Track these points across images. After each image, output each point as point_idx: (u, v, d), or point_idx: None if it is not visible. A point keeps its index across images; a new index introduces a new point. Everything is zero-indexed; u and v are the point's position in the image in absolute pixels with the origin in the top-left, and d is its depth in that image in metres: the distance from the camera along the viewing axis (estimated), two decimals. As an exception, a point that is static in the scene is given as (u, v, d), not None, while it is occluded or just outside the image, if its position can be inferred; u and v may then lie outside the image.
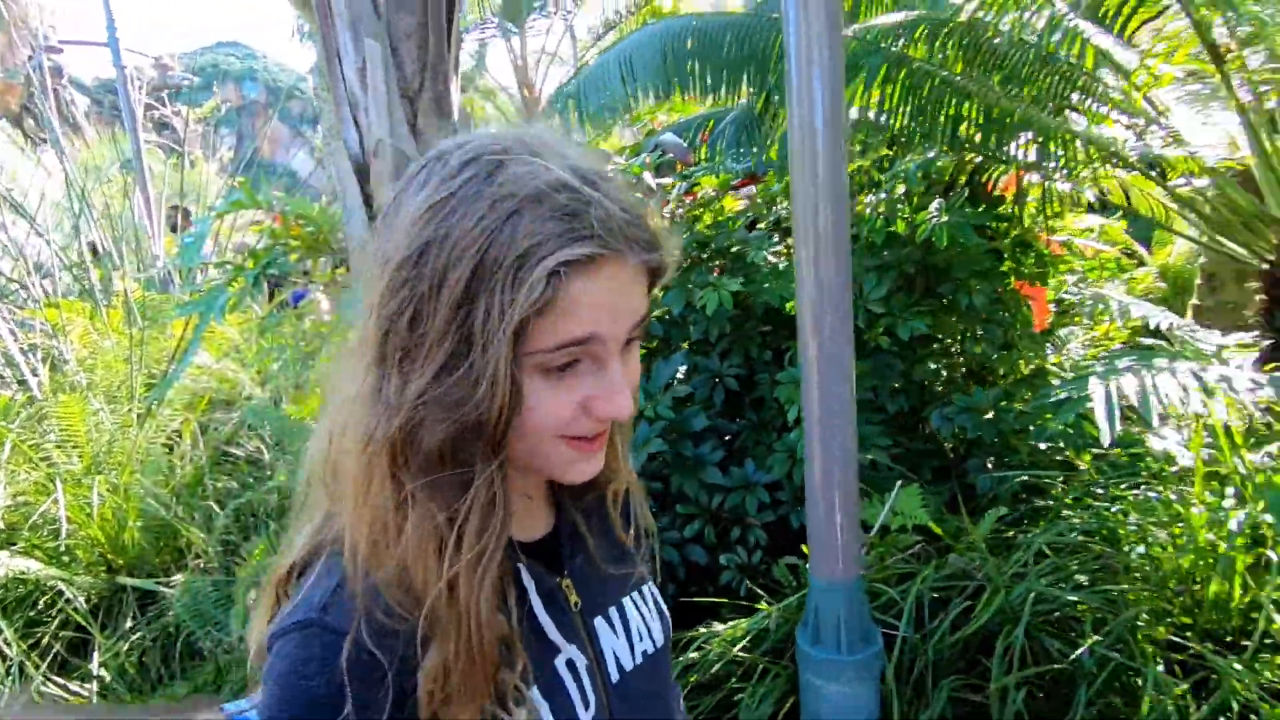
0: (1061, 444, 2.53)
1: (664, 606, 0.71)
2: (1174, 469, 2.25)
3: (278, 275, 2.62)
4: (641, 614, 0.68)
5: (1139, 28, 2.46)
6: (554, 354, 0.49)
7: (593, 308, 0.49)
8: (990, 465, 2.69)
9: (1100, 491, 2.24)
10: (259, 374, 3.46)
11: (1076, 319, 3.75)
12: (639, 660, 0.65)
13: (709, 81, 2.17)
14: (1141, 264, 5.45)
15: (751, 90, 2.22)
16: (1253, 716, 1.47)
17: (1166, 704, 1.53)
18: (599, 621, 0.63)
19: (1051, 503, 2.28)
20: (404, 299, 0.49)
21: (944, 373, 3.05)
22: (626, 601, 0.67)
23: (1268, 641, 1.63)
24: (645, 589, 0.70)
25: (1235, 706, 1.50)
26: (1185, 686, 1.56)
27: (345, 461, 0.54)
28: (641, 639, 0.66)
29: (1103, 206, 3.62)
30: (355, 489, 0.52)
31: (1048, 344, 3.54)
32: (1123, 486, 2.14)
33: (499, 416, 0.49)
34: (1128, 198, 3.20)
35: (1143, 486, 2.21)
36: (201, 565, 2.80)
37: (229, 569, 2.68)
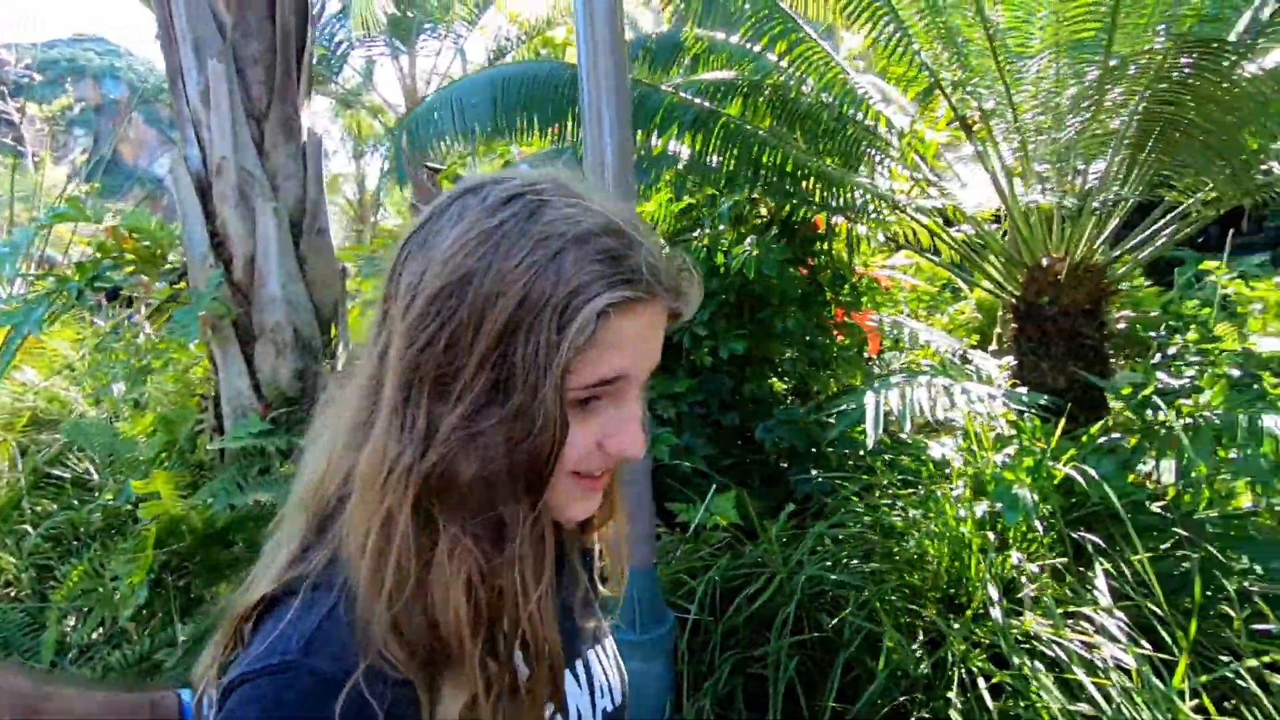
0: (861, 451, 2.91)
1: (622, 662, 0.70)
2: (948, 470, 2.64)
3: (111, 288, 2.57)
4: (604, 669, 0.66)
5: (915, 96, 2.92)
6: (584, 391, 0.49)
7: (629, 348, 0.50)
8: (815, 472, 3.03)
9: (890, 490, 2.60)
10: (92, 391, 3.30)
11: (900, 345, 4.26)
12: (598, 718, 0.63)
13: (534, 124, 2.40)
14: (964, 297, 6.19)
15: (571, 136, 2.47)
16: (963, 664, 1.80)
17: (902, 661, 1.83)
18: (566, 675, 0.61)
19: (850, 500, 2.61)
20: (438, 328, 0.48)
21: (773, 390, 3.40)
22: (591, 655, 0.65)
23: (990, 609, 1.99)
24: (607, 643, 0.68)
25: (951, 658, 1.82)
26: (917, 646, 1.88)
27: (351, 494, 0.51)
28: (602, 695, 0.64)
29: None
30: (368, 523, 0.49)
31: (874, 365, 4.00)
32: (893, 486, 2.50)
33: (549, 453, 0.49)
34: (934, 240, 3.71)
35: (920, 485, 2.59)
36: (13, 593, 2.65)
37: (44, 594, 2.55)
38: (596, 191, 0.53)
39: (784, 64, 2.84)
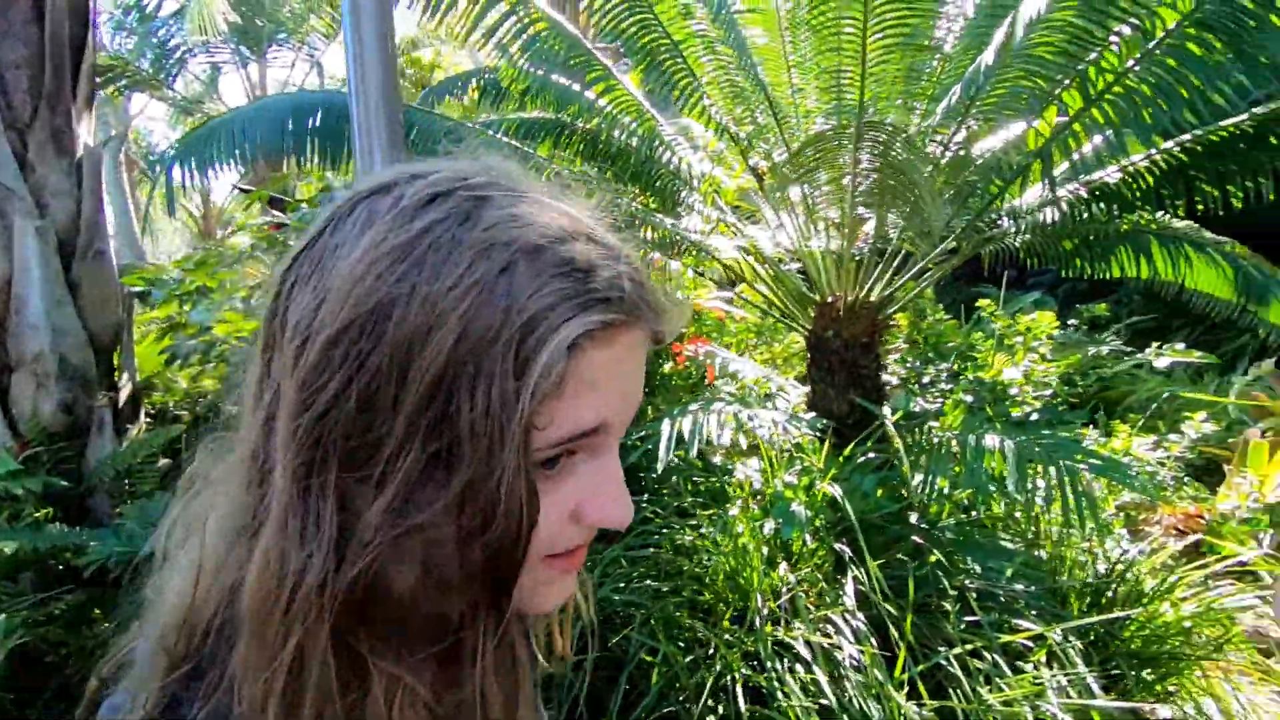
0: (672, 475, 3.07)
1: None
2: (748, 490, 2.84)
3: None
4: None
5: (716, 144, 3.18)
6: (553, 450, 0.38)
7: (606, 389, 0.38)
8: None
9: (695, 511, 2.75)
10: None
11: (734, 374, 4.52)
12: None
13: (323, 153, 2.39)
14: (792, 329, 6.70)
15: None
16: (730, 672, 1.94)
17: (675, 673, 1.95)
18: None
19: (652, 521, 2.74)
20: (345, 383, 0.35)
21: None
22: None
23: (756, 619, 2.16)
24: None
25: (719, 667, 1.96)
26: (693, 657, 2.01)
27: (237, 625, 0.38)
28: None
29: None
30: (269, 669, 0.36)
31: (707, 393, 4.23)
32: (696, 507, 2.66)
33: (515, 541, 0.36)
34: (749, 276, 4.00)
35: (723, 505, 2.77)
36: None
37: None
38: (541, 182, 0.42)
39: (602, 104, 3.01)
